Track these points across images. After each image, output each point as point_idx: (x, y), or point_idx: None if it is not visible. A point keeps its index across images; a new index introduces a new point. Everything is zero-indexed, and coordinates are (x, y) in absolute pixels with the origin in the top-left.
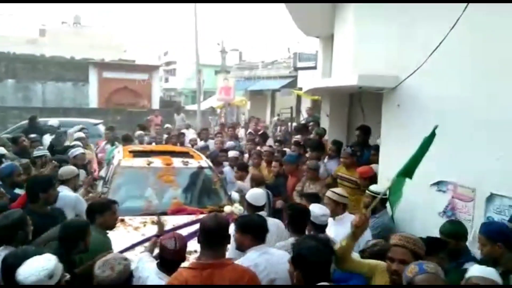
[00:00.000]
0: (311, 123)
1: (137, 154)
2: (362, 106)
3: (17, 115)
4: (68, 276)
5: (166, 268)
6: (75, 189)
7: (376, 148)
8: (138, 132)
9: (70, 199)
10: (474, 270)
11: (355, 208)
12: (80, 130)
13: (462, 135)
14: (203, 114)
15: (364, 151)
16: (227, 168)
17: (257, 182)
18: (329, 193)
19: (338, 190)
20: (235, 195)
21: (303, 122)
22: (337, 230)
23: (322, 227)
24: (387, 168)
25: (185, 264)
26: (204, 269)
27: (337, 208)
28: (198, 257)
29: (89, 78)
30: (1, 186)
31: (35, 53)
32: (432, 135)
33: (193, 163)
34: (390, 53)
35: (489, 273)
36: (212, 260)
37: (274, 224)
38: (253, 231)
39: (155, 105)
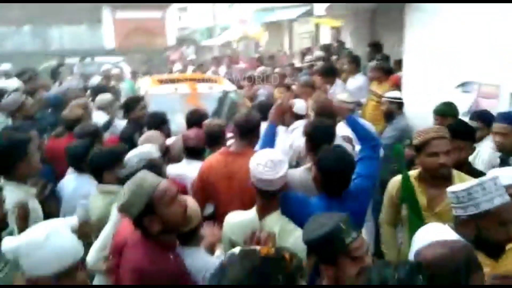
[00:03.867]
0: (335, 45)
1: (163, 82)
2: (386, 15)
3: (37, 60)
4: None
5: (193, 155)
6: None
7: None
8: None
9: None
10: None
11: (379, 122)
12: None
13: (484, 34)
14: (219, 48)
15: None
16: None
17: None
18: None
19: (342, 96)
20: None
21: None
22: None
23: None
24: (411, 76)
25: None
26: (229, 155)
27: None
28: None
29: (103, 19)
30: None
31: None
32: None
33: (218, 88)
34: None
35: None
36: (240, 149)
37: None
38: None
39: (171, 43)
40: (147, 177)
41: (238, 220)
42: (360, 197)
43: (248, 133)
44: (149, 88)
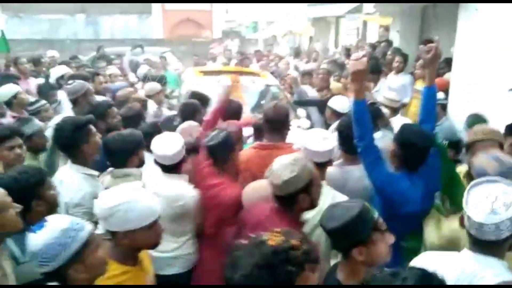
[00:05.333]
0: (382, 43)
1: (206, 73)
2: (437, 13)
3: (89, 47)
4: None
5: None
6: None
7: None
8: None
9: None
10: None
11: None
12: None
13: None
14: (264, 43)
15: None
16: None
17: None
18: (380, 98)
19: (390, 94)
20: (301, 111)
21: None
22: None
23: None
24: (460, 76)
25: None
26: (264, 149)
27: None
28: (264, 140)
29: (152, 10)
30: None
31: None
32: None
33: (260, 81)
34: None
35: None
36: (273, 143)
37: None
38: None
39: (217, 35)
40: (302, 157)
41: None
42: (433, 171)
43: (278, 126)
44: (192, 79)
